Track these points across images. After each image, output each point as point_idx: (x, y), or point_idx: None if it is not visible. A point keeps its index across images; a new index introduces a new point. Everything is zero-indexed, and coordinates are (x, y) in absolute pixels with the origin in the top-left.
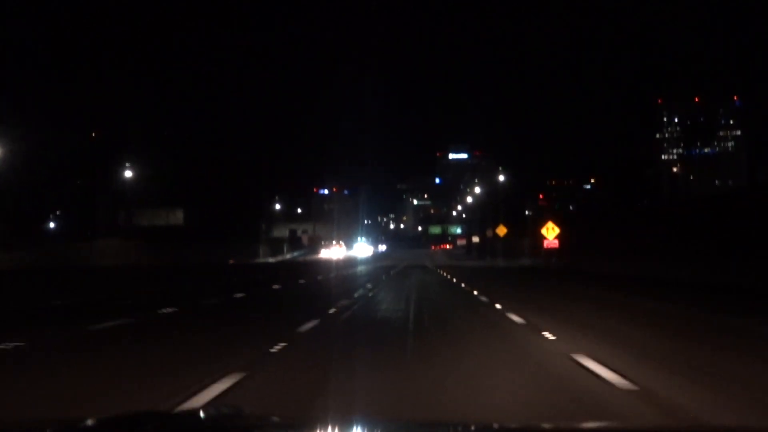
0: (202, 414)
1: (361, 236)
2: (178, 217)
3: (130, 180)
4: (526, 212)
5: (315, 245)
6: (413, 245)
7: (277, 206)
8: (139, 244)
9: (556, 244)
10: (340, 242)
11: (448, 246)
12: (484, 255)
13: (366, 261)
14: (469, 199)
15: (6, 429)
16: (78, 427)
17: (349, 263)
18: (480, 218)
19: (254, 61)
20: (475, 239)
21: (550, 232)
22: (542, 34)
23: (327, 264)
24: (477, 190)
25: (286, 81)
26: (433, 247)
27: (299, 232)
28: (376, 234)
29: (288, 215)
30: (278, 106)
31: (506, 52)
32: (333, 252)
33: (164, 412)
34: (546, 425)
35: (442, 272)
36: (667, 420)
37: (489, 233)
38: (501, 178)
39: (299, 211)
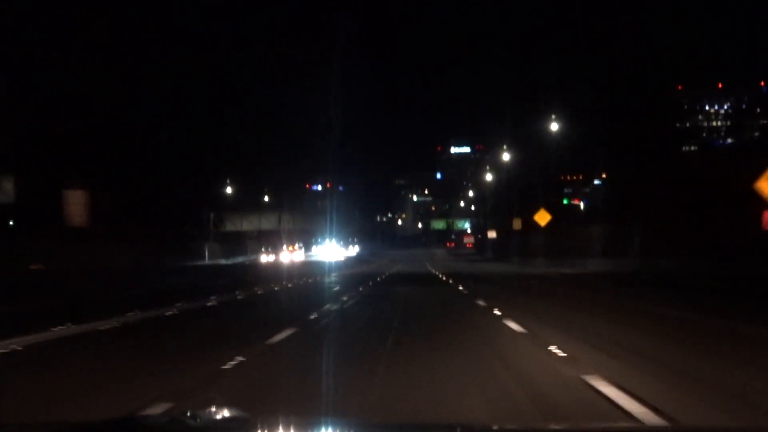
0: (171, 418)
1: (330, 236)
2: (6, 192)
3: None
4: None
5: (278, 243)
6: (412, 244)
7: (228, 189)
8: None
9: None
10: (295, 244)
11: (468, 244)
12: (506, 255)
13: (337, 266)
14: (489, 177)
15: (6, 429)
16: None
17: (309, 270)
18: (506, 205)
19: (246, 42)
20: (491, 234)
21: None
22: (546, 18)
23: (274, 271)
24: (495, 173)
25: (278, 70)
26: (448, 245)
27: (262, 226)
28: (349, 232)
29: (254, 205)
30: (268, 92)
31: (509, 39)
32: (284, 255)
33: (134, 417)
34: (541, 425)
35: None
36: None
37: (516, 224)
38: (554, 127)
39: (266, 199)
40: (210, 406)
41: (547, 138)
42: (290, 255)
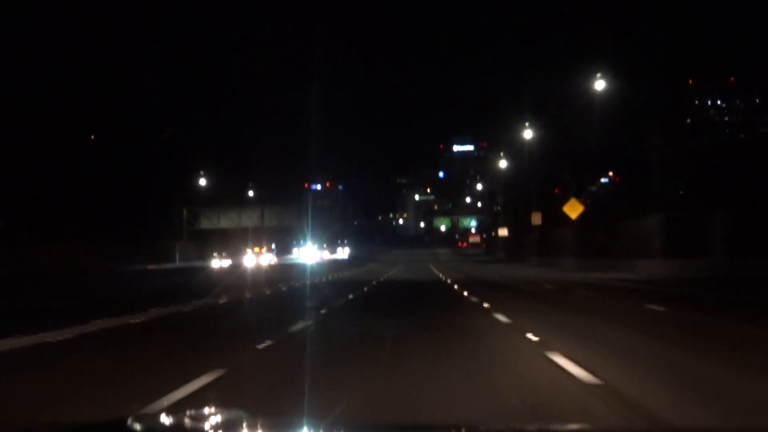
0: (171, 418)
1: (313, 236)
2: None
3: None
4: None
5: (241, 244)
6: (414, 244)
7: (202, 181)
8: None
9: None
10: (263, 245)
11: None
12: (522, 254)
13: (318, 272)
14: (503, 164)
15: (6, 429)
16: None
17: (271, 278)
18: (525, 196)
19: (241, 32)
20: (503, 232)
21: None
22: (551, 13)
23: (218, 281)
24: (511, 160)
25: (280, 68)
26: (459, 244)
27: (241, 223)
28: (339, 232)
29: (237, 200)
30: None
31: (511, 37)
32: (248, 259)
33: (133, 417)
34: (535, 426)
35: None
36: None
37: (535, 219)
38: (600, 85)
39: (251, 194)
40: (209, 407)
41: (578, 113)
42: (256, 258)
